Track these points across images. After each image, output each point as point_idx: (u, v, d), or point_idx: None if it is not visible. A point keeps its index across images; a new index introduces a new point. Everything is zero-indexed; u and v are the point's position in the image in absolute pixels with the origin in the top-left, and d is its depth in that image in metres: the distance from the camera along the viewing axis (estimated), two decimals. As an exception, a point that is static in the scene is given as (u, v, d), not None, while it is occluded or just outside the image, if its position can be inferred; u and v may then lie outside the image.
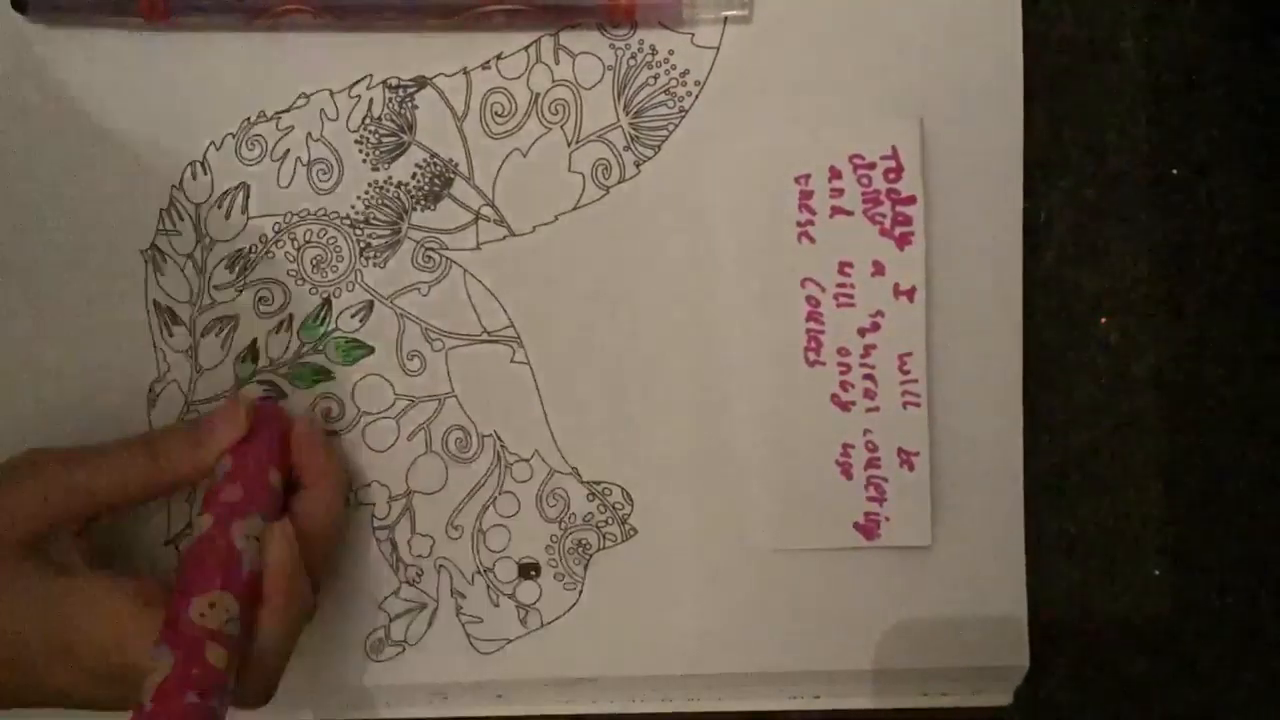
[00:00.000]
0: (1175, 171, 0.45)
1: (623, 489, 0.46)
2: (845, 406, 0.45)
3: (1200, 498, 0.47)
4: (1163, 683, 0.48)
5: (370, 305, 0.46)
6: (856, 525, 0.46)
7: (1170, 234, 0.46)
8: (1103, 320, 0.46)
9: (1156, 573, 0.47)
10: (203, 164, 0.45)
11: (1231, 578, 0.47)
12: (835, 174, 0.43)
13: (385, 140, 0.45)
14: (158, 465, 0.41)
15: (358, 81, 0.44)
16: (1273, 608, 0.48)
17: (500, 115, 0.44)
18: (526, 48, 0.44)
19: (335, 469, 0.44)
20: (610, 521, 0.47)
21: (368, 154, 0.45)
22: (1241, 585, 0.47)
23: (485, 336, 0.46)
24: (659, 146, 0.44)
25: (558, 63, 0.44)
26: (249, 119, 0.45)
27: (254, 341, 0.46)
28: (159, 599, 0.39)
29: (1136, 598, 0.47)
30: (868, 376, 0.45)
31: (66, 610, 0.38)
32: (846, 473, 0.45)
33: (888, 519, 0.45)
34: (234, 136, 0.45)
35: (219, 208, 0.45)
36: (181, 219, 0.45)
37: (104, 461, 0.41)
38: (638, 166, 0.44)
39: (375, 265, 0.45)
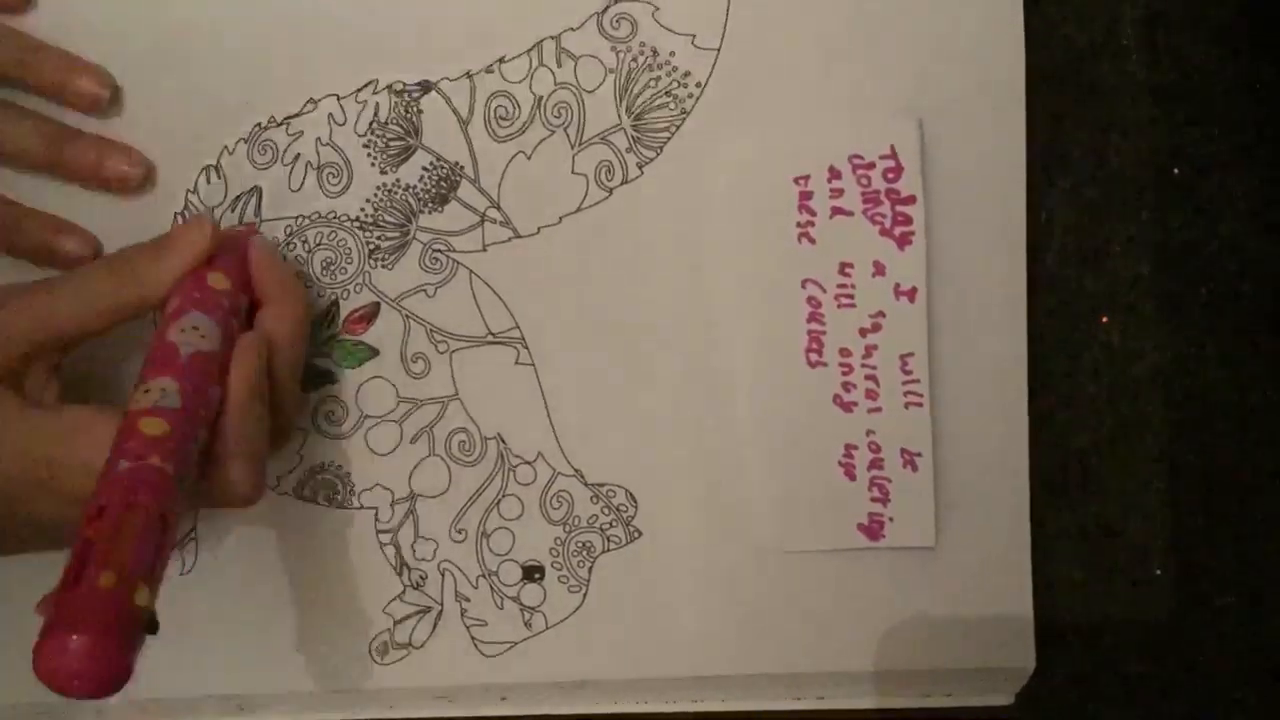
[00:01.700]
0: (1175, 171, 0.44)
1: (627, 491, 0.46)
2: (847, 407, 0.44)
3: (1200, 498, 0.46)
4: (1163, 683, 0.47)
5: (377, 307, 0.45)
6: (860, 526, 0.45)
7: (1170, 234, 0.45)
8: (1103, 320, 0.45)
9: (1157, 572, 0.46)
10: (216, 168, 0.45)
11: (1231, 578, 0.46)
12: (835, 174, 0.43)
13: (392, 144, 0.44)
14: (120, 281, 0.39)
15: (364, 86, 0.44)
16: (1273, 608, 0.47)
17: (504, 118, 0.44)
18: (529, 51, 0.43)
19: (293, 283, 0.42)
20: (615, 524, 0.46)
21: (375, 158, 0.44)
22: (1241, 585, 0.46)
23: (490, 338, 0.45)
24: (661, 148, 0.44)
25: (560, 66, 0.43)
26: (260, 124, 0.44)
27: (261, 344, 0.45)
28: None
29: (1137, 598, 0.46)
30: (869, 377, 0.44)
31: (47, 439, 0.37)
32: (849, 474, 0.44)
33: (891, 520, 0.44)
34: (246, 141, 0.44)
35: (233, 211, 0.45)
36: (192, 223, 0.45)
37: (66, 285, 0.39)
38: (640, 168, 0.44)
39: (384, 267, 0.45)
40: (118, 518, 0.33)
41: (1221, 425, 0.46)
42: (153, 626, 0.33)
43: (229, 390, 0.38)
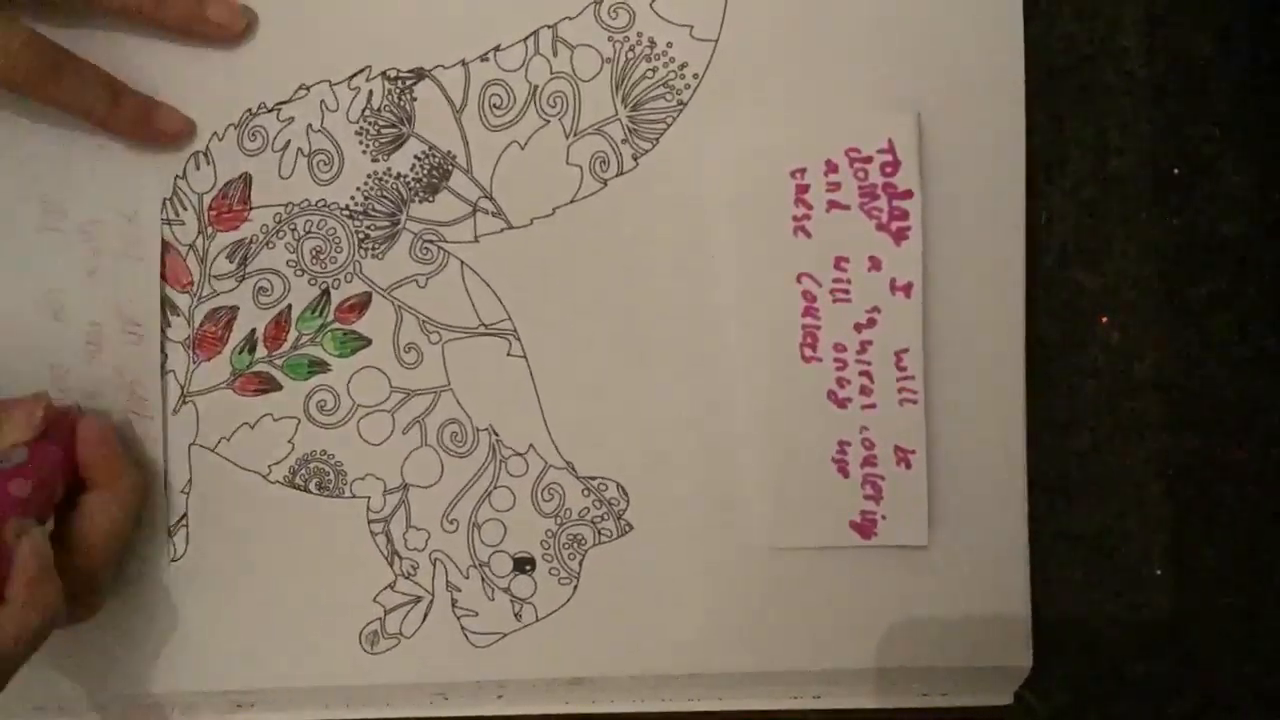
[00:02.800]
0: (1176, 171, 0.43)
1: (619, 484, 0.45)
2: (841, 403, 0.43)
3: (1200, 498, 0.45)
4: (1163, 683, 0.46)
5: (369, 297, 0.44)
6: (853, 524, 0.44)
7: (1170, 234, 0.44)
8: (1103, 320, 0.44)
9: (1157, 572, 0.45)
10: (205, 154, 0.44)
11: (1231, 578, 0.45)
12: (832, 168, 0.42)
13: (385, 131, 0.43)
14: None
15: (357, 73, 0.43)
16: (1273, 608, 0.46)
17: (498, 107, 0.43)
18: (525, 39, 0.42)
19: (126, 472, 0.42)
20: (606, 517, 0.45)
21: (367, 145, 0.43)
22: (1241, 585, 0.45)
23: (482, 329, 0.44)
24: (657, 139, 0.43)
25: (556, 55, 0.42)
26: (250, 110, 0.43)
27: (252, 332, 0.45)
28: None
29: (1137, 598, 0.45)
30: (864, 373, 0.43)
31: None
32: (843, 470, 0.43)
33: (884, 518, 0.44)
34: (236, 127, 0.43)
35: (222, 198, 0.44)
36: (185, 208, 0.44)
37: None
38: (636, 159, 0.43)
39: (374, 256, 0.44)
40: None
41: (1221, 425, 0.45)
42: None
43: (8, 598, 0.38)
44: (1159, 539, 0.45)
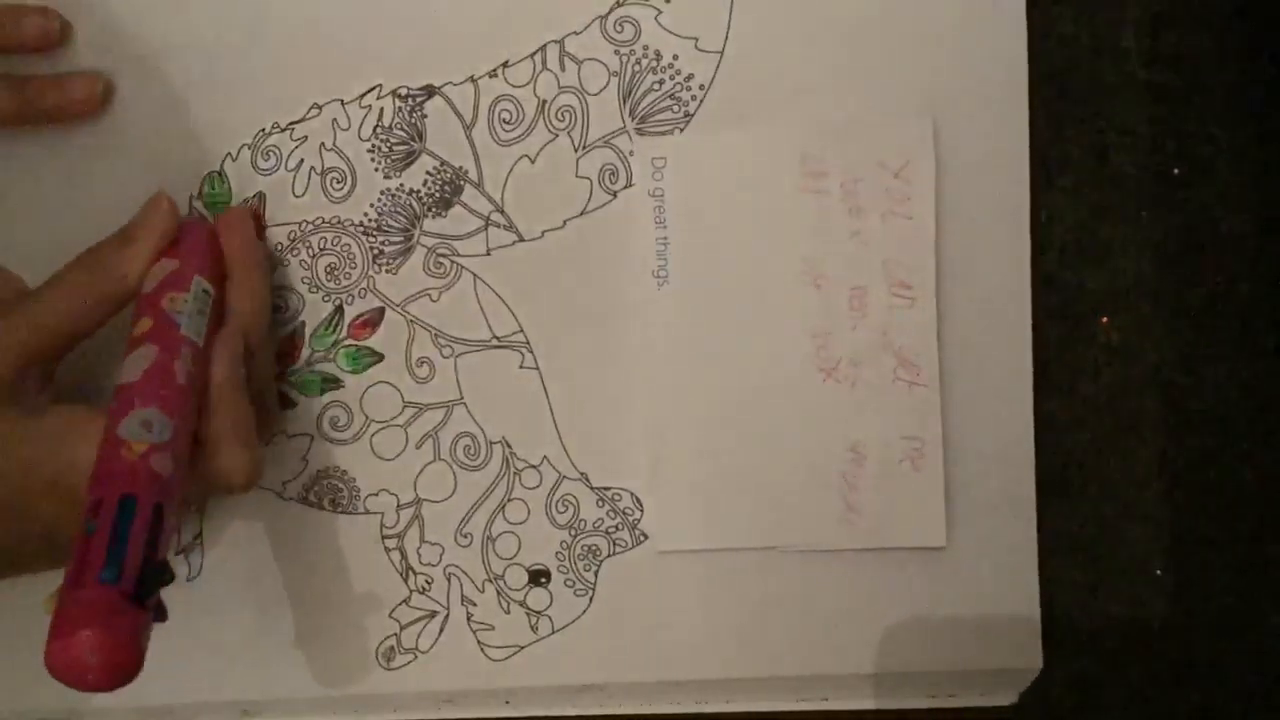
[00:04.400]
0: (1175, 171, 0.43)
1: (632, 494, 0.44)
2: (856, 408, 0.43)
3: (1200, 498, 0.45)
4: (1163, 683, 0.45)
5: (381, 312, 0.44)
6: (868, 527, 0.43)
7: (1170, 234, 0.44)
8: (1103, 320, 0.44)
9: (1158, 572, 0.45)
10: (220, 174, 0.43)
11: (1231, 578, 0.45)
12: (844, 175, 0.42)
13: (396, 149, 0.43)
14: (94, 276, 0.38)
15: (368, 91, 0.42)
16: (1273, 608, 0.45)
17: (508, 122, 0.42)
18: (532, 55, 0.42)
19: (253, 253, 0.41)
20: (620, 527, 0.44)
21: (379, 162, 0.43)
22: (1241, 585, 0.45)
23: (494, 342, 0.44)
24: (670, 149, 0.42)
25: (563, 69, 0.42)
26: (264, 130, 0.43)
27: (266, 350, 0.44)
28: None
29: (1138, 598, 0.45)
30: (877, 377, 0.42)
31: (44, 443, 0.36)
32: (856, 474, 0.43)
33: (900, 520, 0.43)
34: (250, 147, 0.43)
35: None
36: (197, 229, 0.43)
37: (46, 291, 0.38)
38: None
39: (388, 272, 0.43)
40: (114, 511, 0.32)
41: (1221, 425, 0.45)
42: (161, 614, 0.33)
43: (210, 381, 0.37)
44: (1159, 539, 0.45)
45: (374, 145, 0.43)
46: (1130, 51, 0.43)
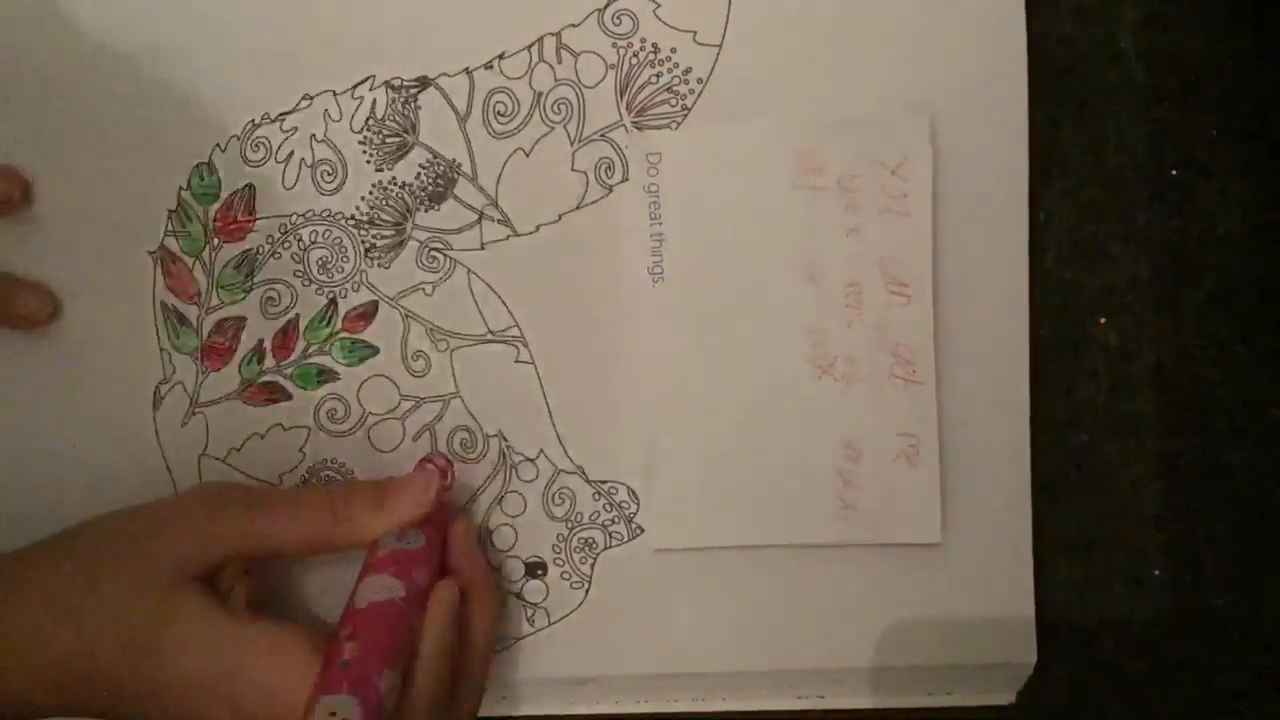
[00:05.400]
0: (1175, 172, 0.42)
1: (629, 488, 0.44)
2: (852, 405, 0.42)
3: (1200, 498, 0.44)
4: (1163, 683, 0.45)
5: (375, 305, 0.43)
6: (864, 523, 0.43)
7: (1170, 234, 0.43)
8: (1102, 320, 0.44)
9: (1156, 573, 0.44)
10: (209, 165, 0.42)
11: (1231, 578, 0.45)
12: (841, 172, 0.41)
13: (389, 141, 0.42)
14: (338, 525, 0.39)
15: (360, 82, 0.41)
16: (1273, 608, 0.45)
17: (503, 115, 0.41)
18: (529, 47, 0.41)
19: (490, 577, 0.41)
20: (617, 520, 0.44)
21: (371, 155, 0.42)
22: (1241, 585, 0.45)
23: (490, 336, 0.43)
24: (665, 144, 0.41)
25: (560, 62, 0.41)
26: (253, 121, 0.42)
27: (260, 342, 0.43)
28: (324, 647, 0.36)
29: (1136, 598, 0.45)
30: (873, 374, 0.42)
31: (239, 651, 0.35)
32: (853, 470, 0.42)
33: (896, 516, 0.42)
34: (239, 139, 0.42)
35: (227, 209, 0.42)
36: (190, 220, 0.42)
37: (285, 511, 0.38)
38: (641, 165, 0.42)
39: (380, 265, 0.43)
40: None
41: (1220, 425, 0.44)
42: None
43: (421, 642, 0.37)
44: (1158, 539, 0.44)
45: (366, 137, 0.42)
46: (1128, 52, 0.42)
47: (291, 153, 0.42)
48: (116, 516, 0.38)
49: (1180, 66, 0.43)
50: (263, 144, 0.42)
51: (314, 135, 0.42)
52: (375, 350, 0.43)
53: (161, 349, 0.43)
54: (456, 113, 0.41)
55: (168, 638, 0.35)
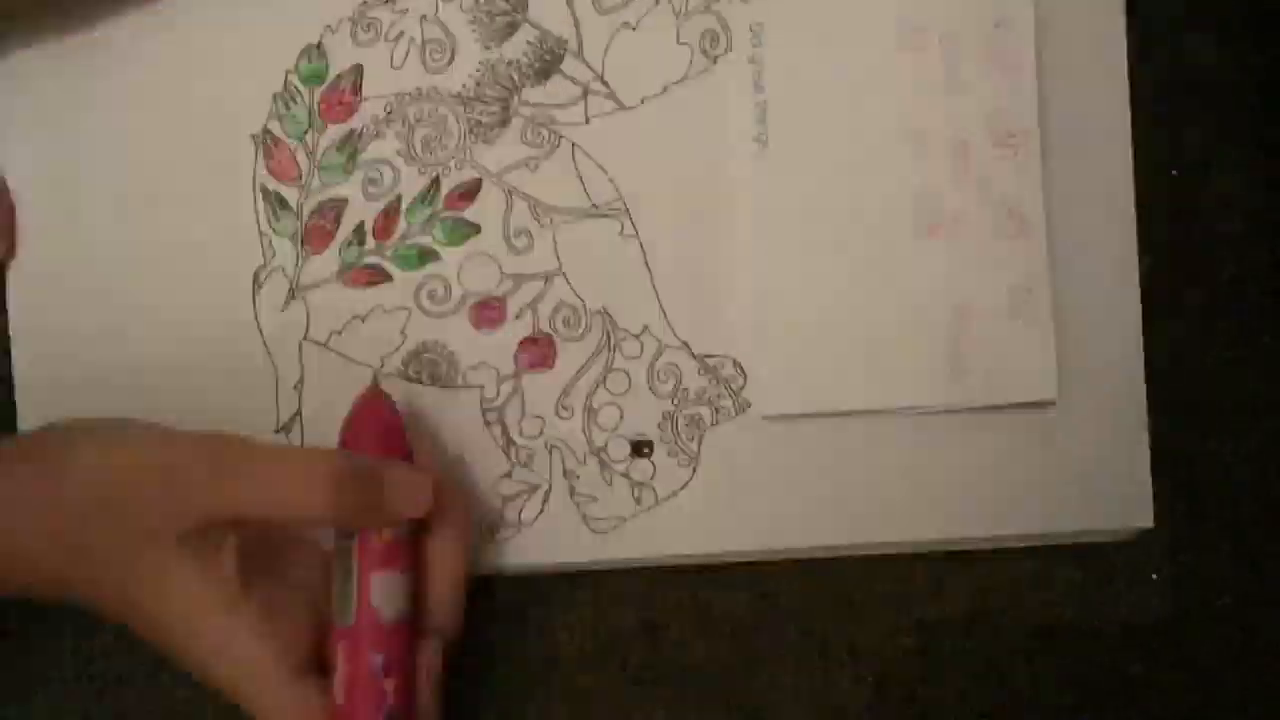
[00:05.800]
0: (1175, 172, 0.44)
1: (735, 361, 0.43)
2: (961, 263, 0.42)
3: (1199, 498, 0.44)
4: (1163, 683, 0.44)
5: (479, 183, 0.43)
6: (976, 384, 0.42)
7: (1170, 234, 0.44)
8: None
9: (1153, 576, 0.44)
10: (318, 47, 0.42)
11: (1231, 578, 0.44)
12: (942, 30, 0.42)
13: (498, 19, 0.43)
14: (334, 512, 0.36)
15: (472, -39, 0.42)
16: (1272, 608, 0.45)
17: (609, -11, 0.43)
18: (638, -79, 0.42)
19: (463, 505, 0.40)
20: (723, 395, 0.43)
21: (480, 33, 0.43)
22: (1241, 585, 0.44)
23: (593, 210, 0.43)
24: (768, 14, 0.43)
25: (667, -67, 0.42)
26: (365, 2, 0.42)
27: (361, 224, 0.43)
28: (311, 666, 0.36)
29: (1136, 598, 0.44)
30: (981, 231, 0.42)
31: (225, 634, 0.35)
32: (964, 331, 0.42)
33: (1010, 375, 0.42)
34: (351, 20, 0.42)
35: (333, 90, 0.43)
36: (294, 102, 0.43)
37: (282, 478, 0.35)
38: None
39: (484, 143, 0.43)
40: None
41: (1221, 425, 0.44)
42: None
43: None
44: (1157, 540, 0.44)
45: (475, 16, 0.43)
46: (1130, 52, 0.43)
47: (401, 33, 0.42)
48: (118, 452, 0.35)
49: (1182, 65, 0.44)
50: (374, 25, 0.42)
51: (424, 15, 0.42)
52: (477, 229, 0.43)
53: (261, 233, 0.43)
54: (565, -12, 0.43)
55: (154, 610, 0.35)
